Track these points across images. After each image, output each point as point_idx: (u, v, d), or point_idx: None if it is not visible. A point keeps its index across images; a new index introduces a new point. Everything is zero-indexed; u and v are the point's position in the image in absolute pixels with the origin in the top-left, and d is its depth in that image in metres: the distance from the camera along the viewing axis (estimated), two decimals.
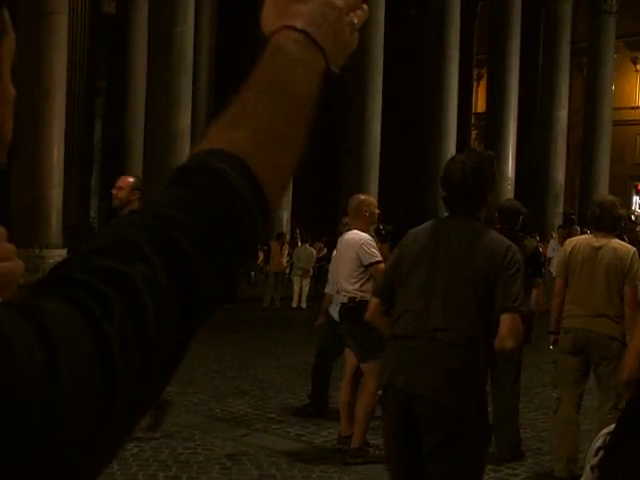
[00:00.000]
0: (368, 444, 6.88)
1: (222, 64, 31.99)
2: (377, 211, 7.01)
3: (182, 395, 9.22)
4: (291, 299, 18.90)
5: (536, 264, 7.18)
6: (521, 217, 7.24)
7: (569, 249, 6.26)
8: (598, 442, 3.12)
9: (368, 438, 6.91)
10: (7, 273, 0.97)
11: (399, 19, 32.94)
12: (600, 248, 6.00)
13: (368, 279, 6.70)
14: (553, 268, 19.99)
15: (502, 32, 35.40)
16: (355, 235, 6.78)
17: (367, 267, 6.66)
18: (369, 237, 6.76)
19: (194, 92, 25.94)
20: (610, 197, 6.89)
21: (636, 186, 49.79)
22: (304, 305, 19.13)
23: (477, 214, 3.94)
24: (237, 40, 31.39)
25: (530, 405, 9.04)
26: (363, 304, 6.63)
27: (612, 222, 6.09)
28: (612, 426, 3.11)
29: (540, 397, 9.68)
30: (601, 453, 3.05)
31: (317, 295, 19.07)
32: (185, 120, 24.47)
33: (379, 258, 6.70)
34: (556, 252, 20.23)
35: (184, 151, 24.47)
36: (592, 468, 3.10)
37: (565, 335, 6.30)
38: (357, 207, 6.89)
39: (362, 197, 7.06)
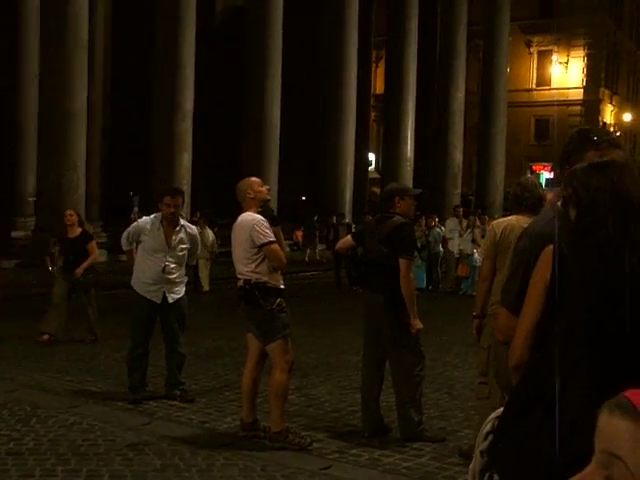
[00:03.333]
0: (289, 429, 6.82)
1: (119, 44, 31.30)
2: (263, 188, 6.96)
3: (81, 384, 8.99)
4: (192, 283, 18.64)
5: (394, 242, 7.03)
6: (396, 198, 7.24)
7: (499, 230, 6.17)
8: (487, 427, 3.08)
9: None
10: None
11: (299, 2, 32.80)
12: None
13: (262, 260, 6.67)
14: (454, 248, 20.24)
15: (400, 14, 35.65)
16: (248, 217, 6.77)
17: (260, 248, 6.62)
18: (261, 218, 6.73)
19: (90, 71, 25.27)
20: (531, 177, 6.96)
21: (531, 167, 51.01)
22: (207, 288, 18.95)
23: None
24: (133, 18, 30.73)
25: (433, 385, 9.09)
26: (259, 286, 6.63)
27: (534, 202, 6.09)
28: (500, 410, 3.08)
29: (443, 377, 9.76)
30: (490, 437, 3.02)
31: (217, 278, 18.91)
32: (80, 101, 23.84)
33: (272, 238, 6.69)
34: (455, 233, 20.42)
35: (79, 133, 23.89)
36: (482, 453, 3.06)
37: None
38: (242, 191, 6.91)
39: (244, 181, 7.05)
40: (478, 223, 20.13)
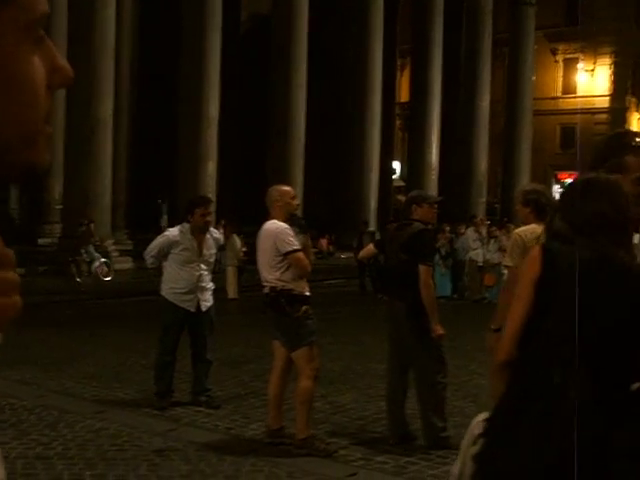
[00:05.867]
0: (314, 436, 6.84)
1: (144, 52, 31.47)
2: (293, 201, 6.98)
3: (108, 390, 9.05)
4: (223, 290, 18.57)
5: (413, 249, 7.03)
6: (413, 205, 7.26)
7: (527, 239, 6.05)
8: (476, 430, 3.03)
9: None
10: None
11: (323, 11, 32.88)
12: None
13: (287, 268, 6.71)
14: (478, 257, 20.19)
15: (425, 23, 35.67)
16: (272, 225, 6.81)
17: (285, 256, 6.64)
18: (286, 226, 6.77)
19: (116, 79, 25.45)
20: (541, 185, 6.88)
21: (556, 175, 50.76)
22: (234, 296, 18.92)
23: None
24: (160, 26, 30.89)
25: (459, 393, 9.07)
26: (284, 293, 6.65)
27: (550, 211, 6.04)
28: (488, 413, 3.03)
29: (468, 385, 9.73)
30: (480, 441, 2.98)
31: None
32: (107, 108, 24.03)
33: (296, 247, 6.72)
34: (477, 242, 20.38)
35: (106, 140, 24.06)
36: (474, 457, 3.00)
37: None
38: (272, 197, 6.93)
39: (276, 187, 7.08)
40: (498, 233, 20.10)
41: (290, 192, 7.06)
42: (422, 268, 6.95)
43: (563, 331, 2.82)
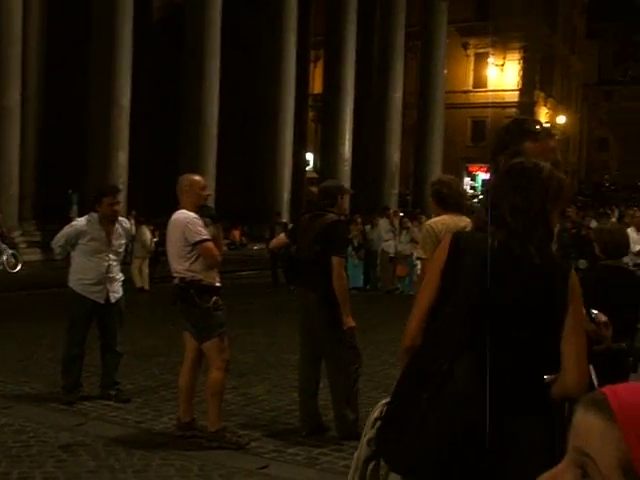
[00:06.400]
0: (226, 429, 6.77)
1: (53, 40, 30.72)
2: (203, 192, 6.90)
3: (13, 385, 8.81)
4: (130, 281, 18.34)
5: (327, 240, 7.02)
6: (338, 196, 7.22)
7: (438, 230, 6.04)
8: (375, 413, 3.05)
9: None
10: None
11: (237, 1, 32.61)
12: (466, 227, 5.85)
13: (197, 258, 6.63)
14: (390, 249, 20.34)
15: (339, 14, 35.66)
16: (181, 215, 6.73)
17: (194, 246, 6.57)
18: (195, 216, 6.69)
19: (24, 68, 24.82)
20: (450, 176, 6.89)
21: (467, 167, 51.52)
22: (147, 287, 18.71)
23: None
24: (69, 14, 30.21)
25: (370, 383, 9.09)
26: (194, 284, 6.57)
27: (460, 200, 6.08)
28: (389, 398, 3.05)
29: (380, 375, 9.77)
30: (378, 424, 2.99)
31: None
32: (13, 98, 23.44)
33: (205, 236, 6.65)
34: (390, 233, 20.53)
35: (12, 130, 23.47)
36: (369, 441, 3.02)
37: None
38: (182, 186, 6.86)
39: (187, 177, 7.01)
40: (410, 224, 20.26)
41: (200, 182, 6.97)
42: (335, 259, 6.93)
43: (457, 317, 2.84)
